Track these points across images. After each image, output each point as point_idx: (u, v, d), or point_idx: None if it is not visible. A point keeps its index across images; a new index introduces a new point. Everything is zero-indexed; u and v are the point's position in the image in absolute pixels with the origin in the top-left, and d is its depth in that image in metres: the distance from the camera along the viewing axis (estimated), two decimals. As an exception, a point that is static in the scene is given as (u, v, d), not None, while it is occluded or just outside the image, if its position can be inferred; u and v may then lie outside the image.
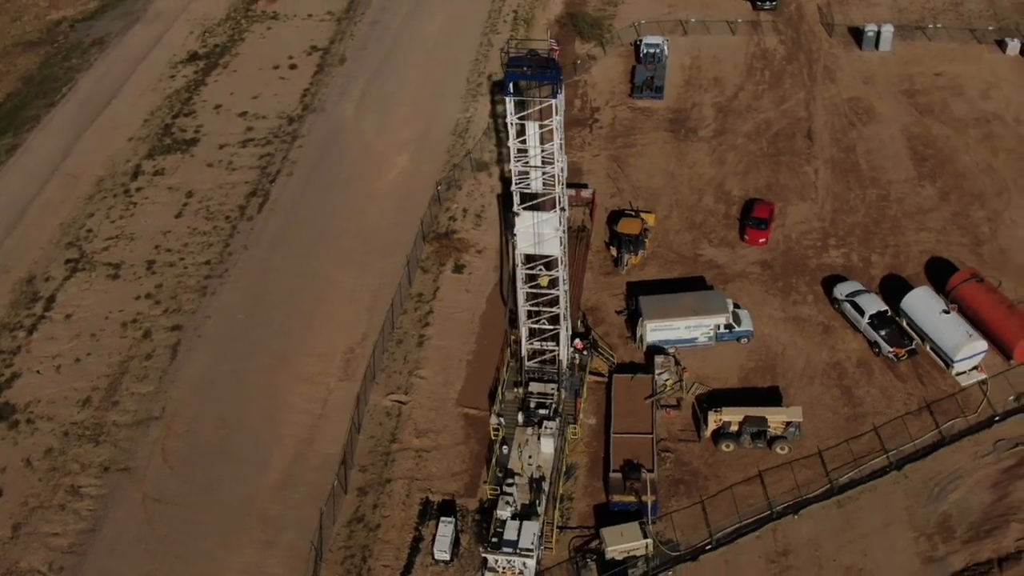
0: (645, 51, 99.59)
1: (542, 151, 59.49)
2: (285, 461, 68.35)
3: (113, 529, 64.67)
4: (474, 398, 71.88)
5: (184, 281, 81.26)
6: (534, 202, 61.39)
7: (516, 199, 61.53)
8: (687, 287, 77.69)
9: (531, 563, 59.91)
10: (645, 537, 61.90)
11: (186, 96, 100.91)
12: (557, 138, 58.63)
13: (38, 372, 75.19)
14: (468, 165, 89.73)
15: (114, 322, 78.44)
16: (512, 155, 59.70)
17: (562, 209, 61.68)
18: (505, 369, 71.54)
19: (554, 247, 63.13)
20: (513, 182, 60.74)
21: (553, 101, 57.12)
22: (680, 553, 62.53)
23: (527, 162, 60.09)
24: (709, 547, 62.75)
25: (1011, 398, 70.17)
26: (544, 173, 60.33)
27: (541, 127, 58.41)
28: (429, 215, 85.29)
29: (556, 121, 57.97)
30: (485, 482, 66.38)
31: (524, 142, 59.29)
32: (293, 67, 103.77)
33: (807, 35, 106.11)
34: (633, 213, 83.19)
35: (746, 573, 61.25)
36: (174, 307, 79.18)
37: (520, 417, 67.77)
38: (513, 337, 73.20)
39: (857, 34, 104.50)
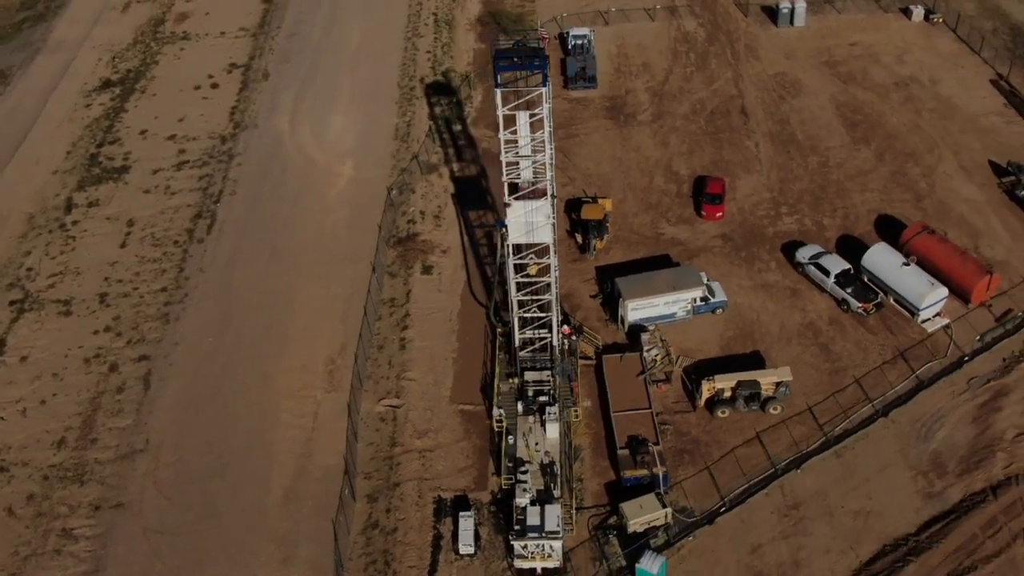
0: (573, 43, 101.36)
1: (532, 139, 60.42)
2: (286, 477, 67.56)
3: (118, 567, 63.01)
4: (467, 394, 72.26)
5: (143, 310, 79.40)
6: (525, 192, 62.31)
7: (506, 190, 62.26)
8: (654, 266, 79.47)
9: (558, 545, 60.80)
10: (664, 507, 63.45)
11: (107, 124, 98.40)
12: (547, 125, 59.68)
13: (1, 418, 72.45)
14: (417, 168, 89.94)
15: (75, 359, 76.13)
16: (502, 146, 60.46)
17: (553, 196, 62.61)
18: (496, 362, 72.00)
19: (546, 234, 64.02)
20: (504, 173, 61.45)
21: (543, 89, 58.15)
22: (697, 518, 64.24)
23: (517, 152, 60.96)
24: (724, 509, 64.66)
25: (976, 338, 74.14)
26: (535, 162, 61.27)
27: (531, 116, 59.40)
28: (386, 220, 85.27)
29: (546, 109, 59.01)
30: (494, 474, 66.92)
31: (514, 132, 60.15)
32: (215, 86, 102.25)
33: (723, 16, 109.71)
34: (591, 200, 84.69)
35: (762, 529, 63.41)
36: (137, 337, 77.31)
37: (519, 407, 68.51)
38: (499, 330, 73.82)
39: (771, 12, 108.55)
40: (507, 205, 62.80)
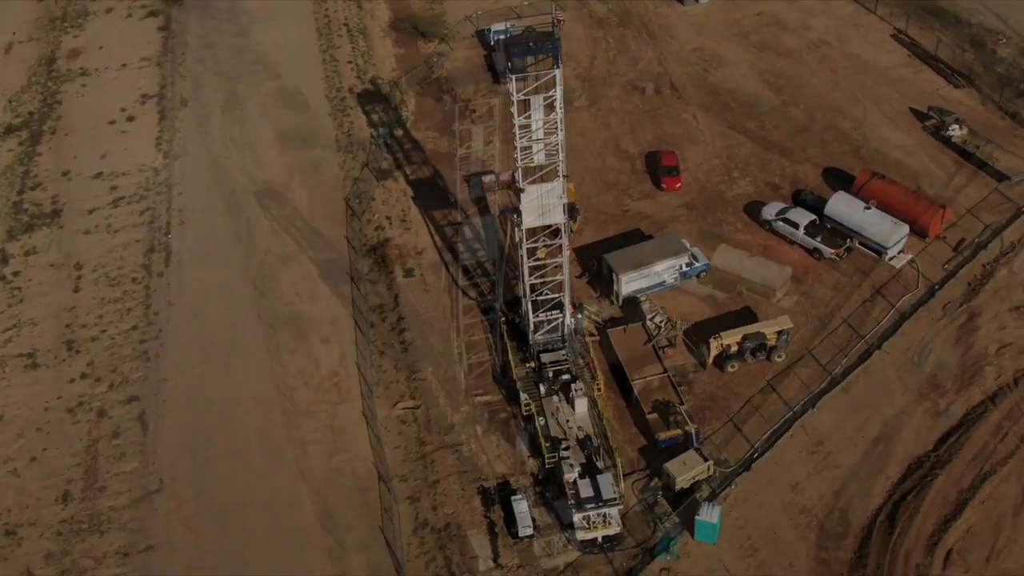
0: (495, 39, 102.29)
1: (544, 123, 61.71)
2: (318, 492, 66.63)
3: (168, 608, 60.86)
4: (482, 386, 72.47)
5: (118, 352, 76.48)
6: (538, 175, 63.93)
7: (519, 175, 63.25)
8: (629, 241, 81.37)
9: (615, 511, 62.11)
10: (705, 460, 65.52)
11: (22, 170, 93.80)
12: (559, 108, 61.27)
13: (-8, 483, 68.84)
14: (370, 176, 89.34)
15: (57, 411, 72.84)
16: (516, 132, 61.58)
17: (565, 176, 63.77)
18: (509, 349, 72.38)
19: (558, 215, 65.22)
20: (518, 158, 62.40)
21: (556, 72, 59.52)
22: (734, 467, 66.53)
23: (530, 136, 62.07)
24: (756, 456, 67.15)
25: (944, 266, 79.16)
26: (547, 144, 62.43)
27: (545, 99, 60.78)
28: (353, 231, 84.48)
29: (559, 91, 60.60)
30: (529, 457, 67.52)
31: (528, 117, 61.35)
32: (131, 119, 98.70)
33: (631, 0, 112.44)
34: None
35: (796, 468, 66.61)
36: (119, 380, 74.48)
37: (542, 388, 69.18)
38: (503, 319, 74.27)
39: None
40: (521, 190, 63.67)
